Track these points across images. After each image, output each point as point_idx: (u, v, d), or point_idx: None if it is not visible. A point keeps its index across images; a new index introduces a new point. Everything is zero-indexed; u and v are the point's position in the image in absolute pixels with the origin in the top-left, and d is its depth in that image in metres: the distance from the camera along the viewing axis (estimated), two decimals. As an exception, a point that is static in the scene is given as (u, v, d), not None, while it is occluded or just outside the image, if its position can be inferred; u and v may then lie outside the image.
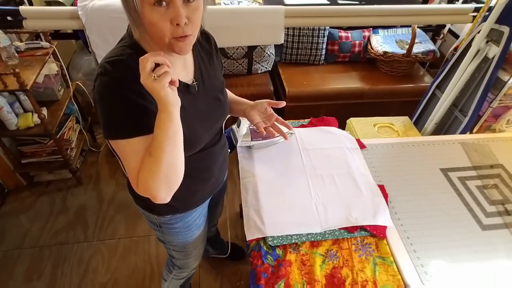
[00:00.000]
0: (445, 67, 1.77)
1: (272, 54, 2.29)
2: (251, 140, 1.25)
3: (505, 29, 1.46)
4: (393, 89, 2.27)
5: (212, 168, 0.99)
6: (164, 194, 0.73)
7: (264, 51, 2.21)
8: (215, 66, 0.92)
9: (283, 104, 1.05)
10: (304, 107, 2.22)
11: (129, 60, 0.71)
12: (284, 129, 1.24)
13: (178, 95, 0.74)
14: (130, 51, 0.72)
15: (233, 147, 1.28)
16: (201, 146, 0.89)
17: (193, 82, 0.83)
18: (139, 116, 0.70)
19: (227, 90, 1.01)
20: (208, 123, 0.89)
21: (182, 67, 0.82)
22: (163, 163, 0.70)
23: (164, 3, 0.63)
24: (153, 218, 1.01)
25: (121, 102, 0.69)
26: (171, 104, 0.66)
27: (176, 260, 1.23)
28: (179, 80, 0.78)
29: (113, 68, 0.69)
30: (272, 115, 1.07)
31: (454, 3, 2.41)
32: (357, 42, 2.37)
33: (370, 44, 2.34)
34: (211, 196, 1.10)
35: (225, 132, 1.25)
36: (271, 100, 1.05)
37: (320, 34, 2.27)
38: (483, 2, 1.90)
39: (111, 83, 0.69)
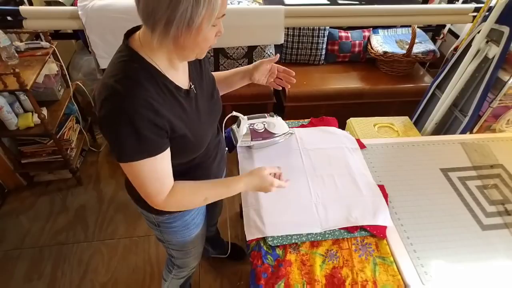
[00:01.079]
0: (445, 67, 1.77)
1: (272, 54, 2.29)
2: (251, 140, 1.25)
3: (505, 29, 1.46)
4: (393, 89, 2.27)
5: (210, 166, 0.99)
6: None
7: (264, 51, 2.21)
8: (204, 64, 0.93)
9: (277, 57, 1.06)
10: (304, 107, 2.22)
11: (138, 76, 0.70)
12: (284, 130, 1.25)
13: (181, 101, 0.76)
14: (135, 65, 0.71)
15: (233, 147, 1.28)
16: (205, 147, 0.90)
17: (190, 86, 0.84)
18: (157, 134, 0.71)
19: (214, 75, 1.02)
20: (209, 122, 0.91)
21: (183, 73, 0.83)
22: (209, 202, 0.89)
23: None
24: (152, 218, 1.01)
25: (138, 122, 0.68)
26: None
27: (176, 260, 1.23)
28: (182, 88, 0.79)
29: (124, 87, 0.68)
30: (274, 67, 1.06)
31: (454, 3, 2.41)
32: (357, 42, 2.37)
33: (370, 44, 2.34)
34: None
35: (225, 132, 1.25)
36: (267, 59, 1.05)
37: (320, 34, 2.27)
38: (483, 2, 1.90)
39: (125, 103, 0.67)
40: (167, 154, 0.76)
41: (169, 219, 1.01)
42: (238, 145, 1.27)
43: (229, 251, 1.61)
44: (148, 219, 1.04)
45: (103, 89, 0.69)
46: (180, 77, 0.80)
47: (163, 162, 0.76)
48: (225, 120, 1.14)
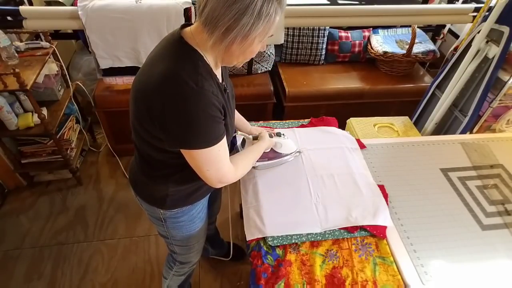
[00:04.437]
0: (445, 67, 1.77)
1: (272, 54, 2.29)
2: (256, 161, 1.18)
3: (505, 29, 1.46)
4: (393, 89, 2.27)
5: None
6: None
7: (264, 51, 2.21)
8: (225, 67, 0.97)
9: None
10: (304, 107, 2.22)
11: (205, 73, 0.77)
12: (291, 149, 1.25)
13: (224, 96, 0.86)
14: (200, 63, 0.77)
15: (233, 145, 1.26)
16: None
17: (222, 83, 0.88)
18: (220, 122, 0.81)
19: None
20: (234, 119, 0.98)
21: (219, 72, 0.88)
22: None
23: None
24: (159, 213, 1.03)
25: (212, 111, 0.77)
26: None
27: (178, 256, 1.24)
28: (222, 84, 0.87)
29: (198, 84, 0.74)
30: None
31: (454, 3, 2.41)
32: (357, 42, 2.37)
33: (370, 44, 2.34)
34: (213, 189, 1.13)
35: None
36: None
37: (320, 34, 2.27)
38: (483, 2, 1.90)
39: (202, 97, 0.74)
40: (225, 137, 0.86)
41: (177, 214, 1.03)
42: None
43: (231, 255, 1.58)
44: (154, 216, 1.06)
45: (175, 83, 0.73)
46: (218, 75, 0.86)
47: (225, 144, 0.86)
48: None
